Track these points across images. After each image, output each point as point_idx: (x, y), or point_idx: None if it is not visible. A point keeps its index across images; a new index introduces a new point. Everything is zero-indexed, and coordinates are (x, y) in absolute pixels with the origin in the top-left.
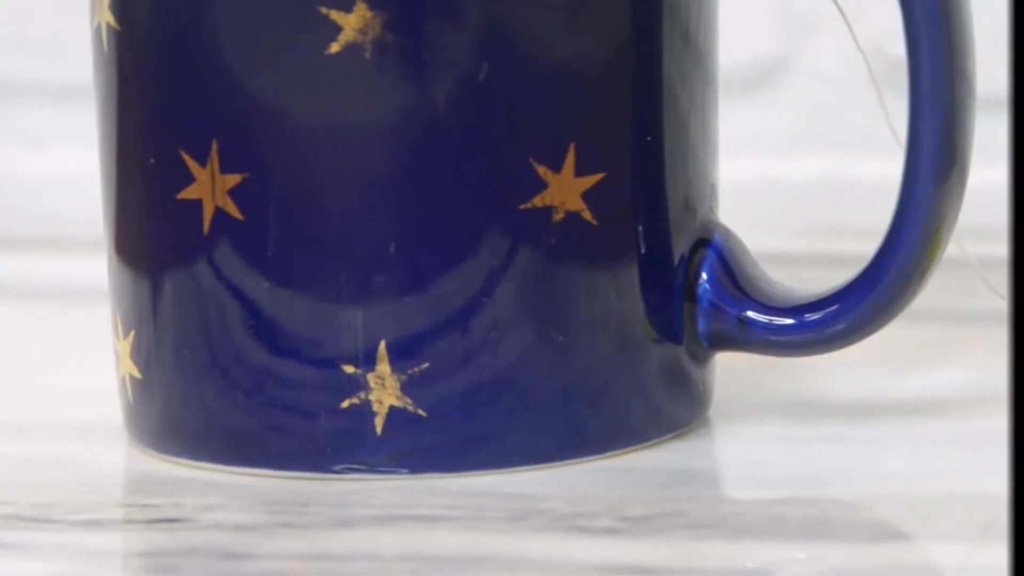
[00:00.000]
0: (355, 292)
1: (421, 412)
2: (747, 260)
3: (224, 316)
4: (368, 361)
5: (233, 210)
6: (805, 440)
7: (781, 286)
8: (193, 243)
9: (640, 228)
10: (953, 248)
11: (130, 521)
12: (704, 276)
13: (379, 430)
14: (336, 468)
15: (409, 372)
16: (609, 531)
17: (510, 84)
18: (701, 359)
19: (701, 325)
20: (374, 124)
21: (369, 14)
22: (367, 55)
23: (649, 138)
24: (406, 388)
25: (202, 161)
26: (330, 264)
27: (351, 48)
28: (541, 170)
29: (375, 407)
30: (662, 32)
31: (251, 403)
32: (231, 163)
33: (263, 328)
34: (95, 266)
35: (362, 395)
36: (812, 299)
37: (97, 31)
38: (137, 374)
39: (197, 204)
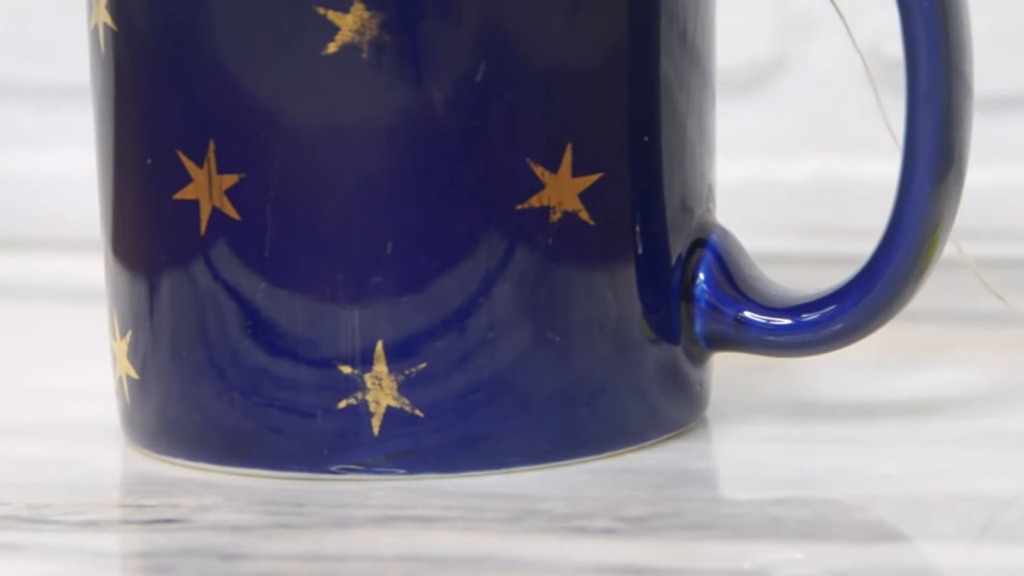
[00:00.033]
0: (352, 292)
1: (418, 412)
2: (744, 260)
3: (221, 316)
4: (365, 361)
5: (230, 210)
6: (802, 440)
7: (778, 286)
8: (190, 243)
9: (637, 228)
10: (950, 248)
11: (127, 522)
12: (701, 276)
13: (376, 430)
14: (333, 468)
15: (406, 372)
16: (607, 531)
17: (507, 84)
18: (698, 359)
19: (698, 325)
20: (371, 124)
21: (366, 14)
22: (364, 55)
23: (646, 138)
24: (403, 388)
25: (199, 161)
26: (327, 264)
27: (348, 48)
28: (538, 170)
29: (372, 407)
30: (659, 32)
31: (248, 403)
32: (228, 163)
33: (260, 328)
34: (92, 266)
35: (359, 395)
36: (809, 299)
37: (94, 31)
38: (134, 374)
39: (194, 204)
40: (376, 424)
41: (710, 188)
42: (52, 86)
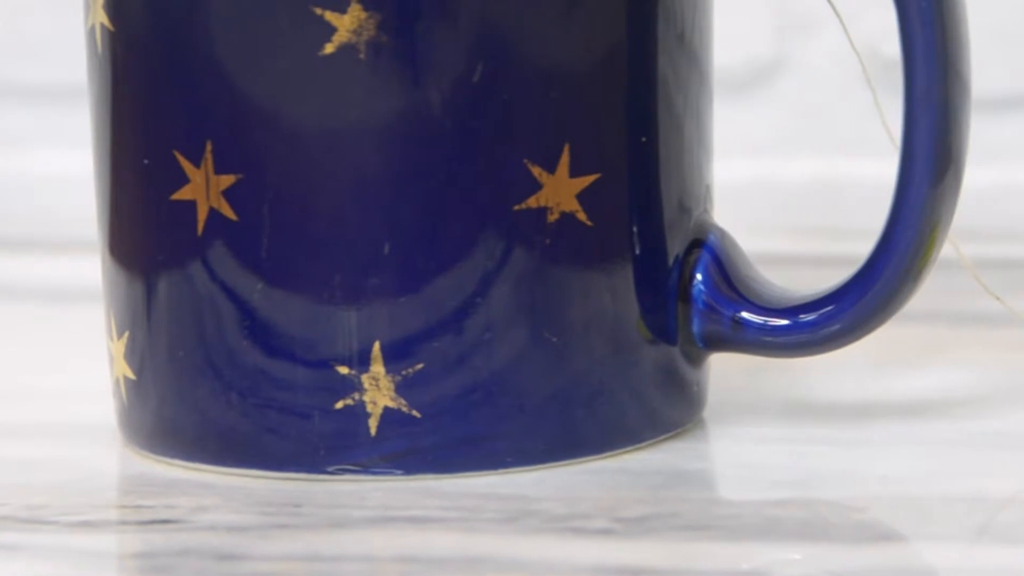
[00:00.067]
0: (349, 293)
1: (415, 413)
2: (742, 261)
3: (218, 317)
4: (362, 362)
5: (227, 211)
6: (800, 441)
7: (776, 287)
8: (187, 244)
9: (635, 229)
10: (948, 249)
11: (124, 522)
12: (699, 277)
13: (373, 431)
14: (330, 469)
15: (403, 373)
16: (604, 532)
17: (505, 85)
18: (696, 360)
19: (696, 326)
20: (369, 125)
21: (364, 15)
22: (361, 56)
23: (644, 139)
24: (400, 389)
25: (196, 162)
26: (324, 265)
27: (345, 49)
28: (536, 171)
29: (369, 408)
30: (657, 33)
31: (245, 404)
32: (225, 164)
33: (257, 329)
34: (89, 267)
35: (356, 396)
36: (807, 300)
37: (91, 32)
38: (131, 375)
39: (191, 205)
40: (373, 425)
41: (707, 188)
42: (49, 86)
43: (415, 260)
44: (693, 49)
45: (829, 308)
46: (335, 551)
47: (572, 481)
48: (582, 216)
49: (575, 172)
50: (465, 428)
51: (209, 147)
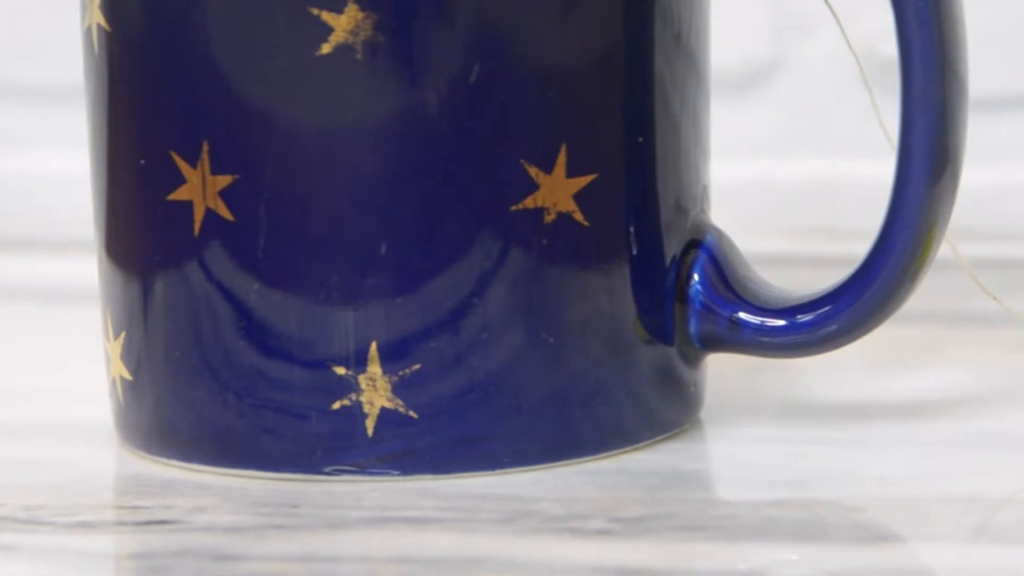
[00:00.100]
0: (346, 293)
1: (412, 414)
2: (739, 261)
3: (215, 317)
4: (359, 362)
5: (224, 211)
6: (797, 441)
7: (773, 287)
8: (184, 244)
9: (632, 229)
10: (945, 249)
11: (121, 523)
12: (696, 277)
13: (370, 431)
14: (327, 470)
15: (400, 373)
16: (601, 533)
17: (502, 85)
18: (693, 360)
19: (693, 326)
20: (365, 125)
21: (360, 15)
22: (358, 56)
23: (641, 139)
24: (397, 389)
25: (193, 162)
26: (321, 265)
27: (342, 49)
28: (533, 171)
29: (366, 408)
30: (654, 33)
31: (242, 404)
32: (222, 164)
33: (254, 329)
34: (85, 267)
35: (353, 396)
36: (804, 300)
37: (88, 32)
38: (128, 376)
39: (188, 205)
40: (370, 425)
41: (704, 189)
42: (49, 86)
43: (412, 260)
44: (690, 49)
45: (826, 308)
46: (332, 552)
47: (569, 481)
48: (579, 216)
49: (572, 172)
50: (462, 428)
51: (206, 147)
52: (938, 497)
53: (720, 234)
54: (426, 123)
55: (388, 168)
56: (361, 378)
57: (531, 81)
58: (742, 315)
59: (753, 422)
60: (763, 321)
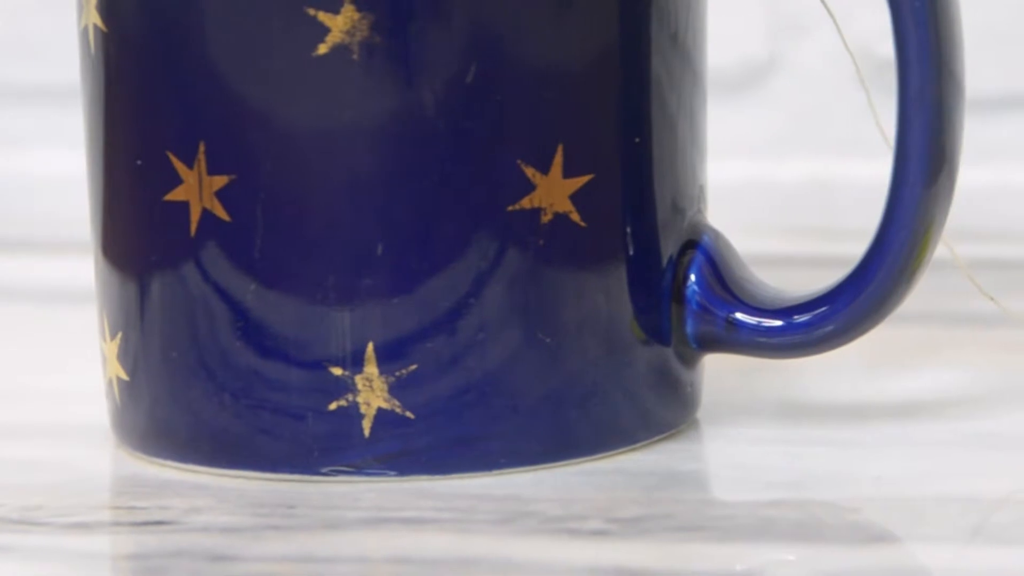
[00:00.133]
0: (343, 294)
1: (409, 414)
2: (735, 262)
3: (211, 318)
4: (356, 363)
5: (220, 212)
6: (794, 442)
7: (769, 288)
8: (180, 245)
9: (628, 230)
10: (942, 249)
11: (117, 524)
12: (692, 278)
13: (367, 432)
14: (323, 470)
15: (397, 374)
16: (598, 533)
17: (498, 85)
18: (689, 361)
19: (689, 327)
20: (362, 125)
21: (357, 15)
22: (355, 56)
23: (637, 139)
24: (394, 390)
25: (189, 163)
26: (318, 266)
27: (339, 49)
28: (529, 172)
29: (363, 409)
30: (650, 33)
31: (238, 405)
32: (218, 165)
33: (250, 330)
34: (84, 268)
35: (350, 397)
36: (801, 301)
37: (84, 32)
38: (124, 376)
39: (184, 206)
40: (367, 426)
41: (701, 189)
42: (48, 86)
43: (408, 261)
44: (687, 49)
45: (823, 309)
46: (329, 552)
47: (566, 482)
48: (575, 217)
49: (568, 173)
50: (459, 429)
51: (202, 148)
52: (935, 497)
53: (717, 234)
54: (422, 123)
55: (385, 168)
56: (358, 379)
57: (527, 81)
58: (739, 315)
59: (750, 423)
60: (760, 321)
